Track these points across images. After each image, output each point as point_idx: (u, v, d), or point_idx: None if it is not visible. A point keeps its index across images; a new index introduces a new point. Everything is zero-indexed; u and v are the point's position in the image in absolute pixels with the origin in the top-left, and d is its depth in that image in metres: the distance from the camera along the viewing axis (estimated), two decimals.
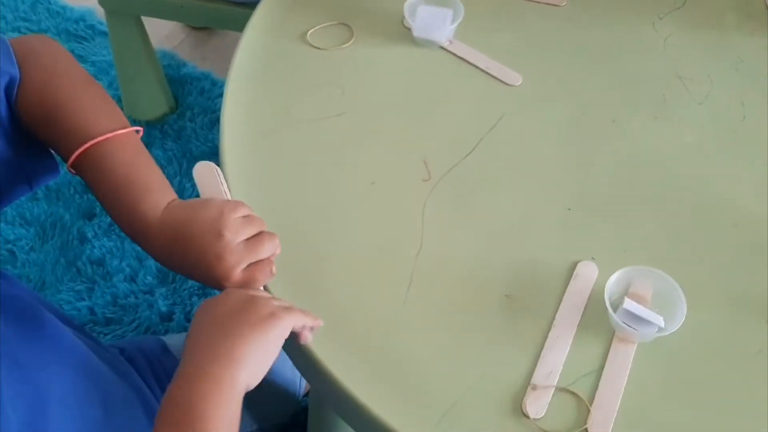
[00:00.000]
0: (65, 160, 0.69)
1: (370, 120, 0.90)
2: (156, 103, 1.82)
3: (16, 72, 0.67)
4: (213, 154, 1.72)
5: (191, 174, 0.75)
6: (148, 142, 1.79)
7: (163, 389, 0.91)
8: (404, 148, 0.88)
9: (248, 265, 0.68)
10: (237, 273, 0.67)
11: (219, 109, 1.85)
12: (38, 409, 0.62)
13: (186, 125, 1.81)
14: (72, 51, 2.04)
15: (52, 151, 0.74)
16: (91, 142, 0.67)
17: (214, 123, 1.82)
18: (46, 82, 0.69)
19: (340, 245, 0.79)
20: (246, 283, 0.67)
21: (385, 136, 0.89)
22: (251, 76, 0.95)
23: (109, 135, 0.68)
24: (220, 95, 1.90)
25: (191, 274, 0.68)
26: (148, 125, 1.82)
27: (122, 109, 1.84)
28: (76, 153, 0.67)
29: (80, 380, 0.70)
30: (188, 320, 1.45)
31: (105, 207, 0.70)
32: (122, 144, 0.70)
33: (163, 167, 1.69)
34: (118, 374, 0.81)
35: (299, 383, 1.20)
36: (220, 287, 0.67)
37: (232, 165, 0.85)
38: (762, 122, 0.92)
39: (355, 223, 0.81)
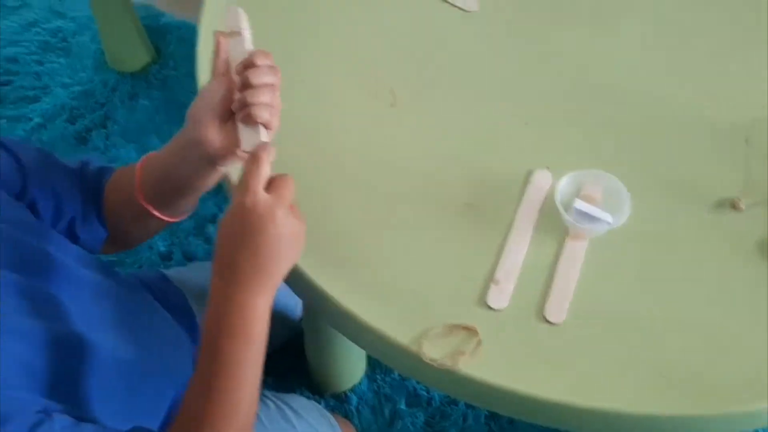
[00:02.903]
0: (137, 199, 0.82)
1: (333, 52, 0.97)
2: (138, 54, 1.86)
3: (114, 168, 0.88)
4: None
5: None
6: (134, 92, 1.84)
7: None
8: (369, 77, 0.94)
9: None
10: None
11: None
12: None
13: (170, 74, 1.86)
14: (50, 7, 2.07)
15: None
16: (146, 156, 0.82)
17: None
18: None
19: (314, 165, 0.86)
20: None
21: (347, 66, 0.95)
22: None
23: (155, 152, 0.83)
24: None
25: None
26: (132, 77, 1.87)
27: (106, 62, 1.89)
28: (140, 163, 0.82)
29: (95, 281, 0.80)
30: (187, 258, 1.54)
31: (174, 174, 0.79)
32: None
33: (151, 117, 1.77)
34: (127, 286, 0.90)
35: (295, 308, 1.29)
36: None
37: None
38: (704, 32, 0.99)
39: (325, 146, 0.88)
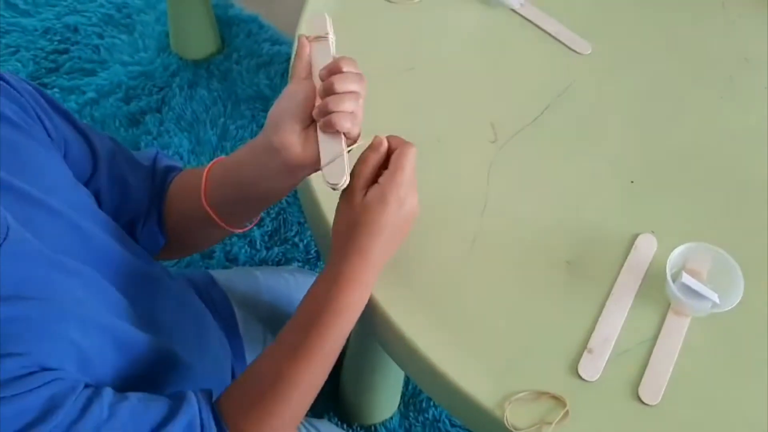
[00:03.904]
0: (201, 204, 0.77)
1: (438, 77, 0.92)
2: (204, 42, 1.82)
3: (181, 167, 0.85)
4: (258, 98, 1.73)
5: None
6: (194, 80, 1.80)
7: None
8: (471, 108, 0.89)
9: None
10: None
11: (265, 53, 1.87)
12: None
13: (232, 67, 1.82)
14: None
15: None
16: (216, 159, 0.78)
17: (261, 67, 1.82)
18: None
19: None
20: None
21: (452, 94, 0.90)
22: None
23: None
24: (267, 39, 1.91)
25: None
26: (194, 65, 1.83)
27: (169, 45, 1.85)
28: (209, 166, 0.77)
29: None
30: (228, 259, 1.48)
31: (246, 182, 0.74)
32: None
33: (207, 108, 1.73)
34: (182, 288, 0.88)
35: None
36: None
37: None
38: None
39: (421, 178, 0.82)
